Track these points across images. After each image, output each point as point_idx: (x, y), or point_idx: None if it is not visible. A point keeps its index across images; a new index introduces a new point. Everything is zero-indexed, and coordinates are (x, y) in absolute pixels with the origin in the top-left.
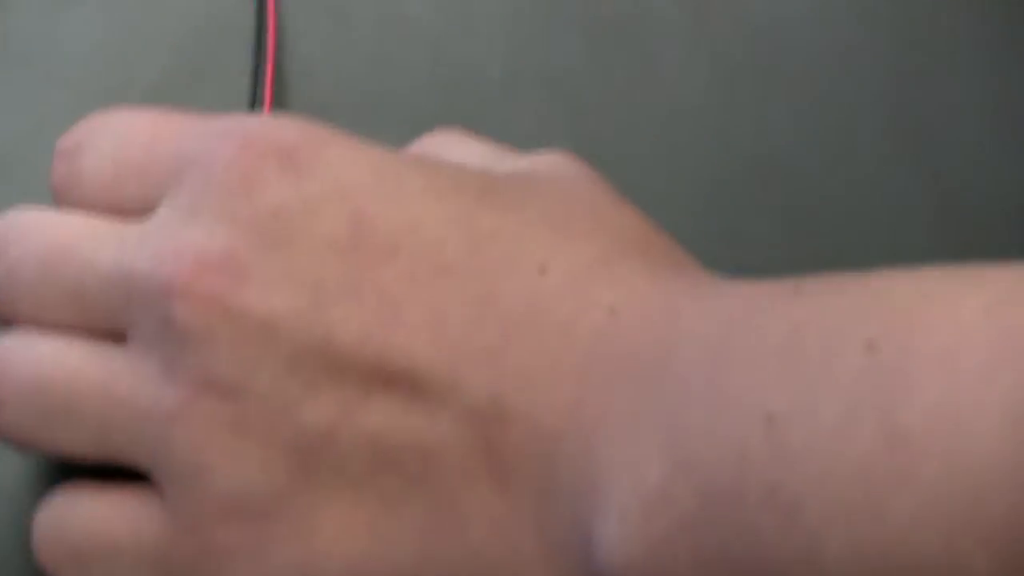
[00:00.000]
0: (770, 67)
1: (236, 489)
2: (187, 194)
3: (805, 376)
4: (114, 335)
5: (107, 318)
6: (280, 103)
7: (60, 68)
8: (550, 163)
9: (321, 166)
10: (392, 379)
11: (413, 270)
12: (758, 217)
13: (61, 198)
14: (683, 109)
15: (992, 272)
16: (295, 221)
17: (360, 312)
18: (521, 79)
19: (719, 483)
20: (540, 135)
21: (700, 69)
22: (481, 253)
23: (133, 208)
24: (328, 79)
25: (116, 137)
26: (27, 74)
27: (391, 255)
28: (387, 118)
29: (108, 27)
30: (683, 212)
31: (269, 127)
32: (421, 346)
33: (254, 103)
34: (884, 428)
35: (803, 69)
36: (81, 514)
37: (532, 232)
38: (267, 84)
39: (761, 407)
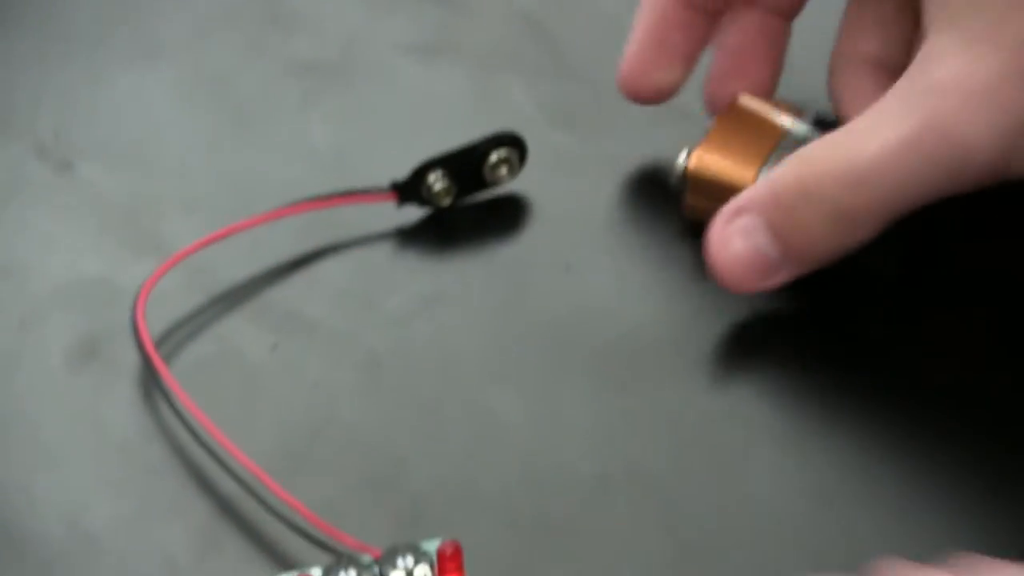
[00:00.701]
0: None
1: None
2: None
3: None
4: None
5: None
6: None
7: None
8: None
9: None
10: None
11: None
12: None
13: None
14: (775, 510)
15: None
16: None
17: None
18: (611, 478)
19: None
20: (632, 535)
21: (789, 469)
22: None
23: None
24: (418, 478)
25: None
26: None
27: None
28: (478, 517)
29: None
30: None
31: None
32: None
33: None
34: None
35: None
36: None
37: None
38: None
39: None
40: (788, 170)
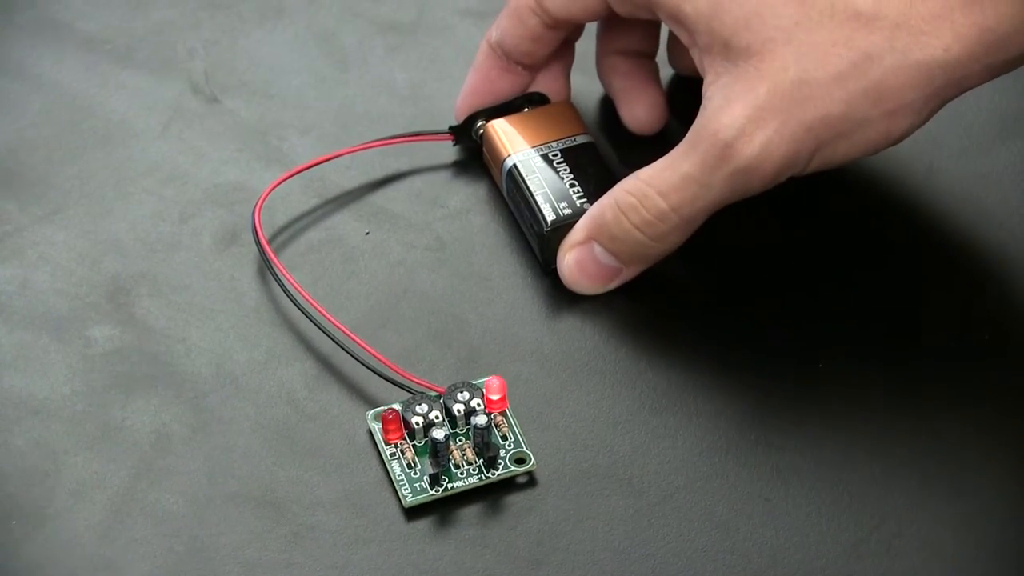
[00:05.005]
0: None
1: None
2: None
3: None
4: None
5: None
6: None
7: None
8: None
9: None
10: None
11: None
12: None
13: None
14: None
15: None
16: None
17: None
18: (614, 330)
19: None
20: (629, 372)
21: None
22: None
23: None
24: (472, 332)
25: None
26: None
27: None
28: (518, 360)
29: None
30: None
31: None
32: None
33: None
34: None
35: None
36: None
37: None
38: None
39: None
40: (609, 200)
